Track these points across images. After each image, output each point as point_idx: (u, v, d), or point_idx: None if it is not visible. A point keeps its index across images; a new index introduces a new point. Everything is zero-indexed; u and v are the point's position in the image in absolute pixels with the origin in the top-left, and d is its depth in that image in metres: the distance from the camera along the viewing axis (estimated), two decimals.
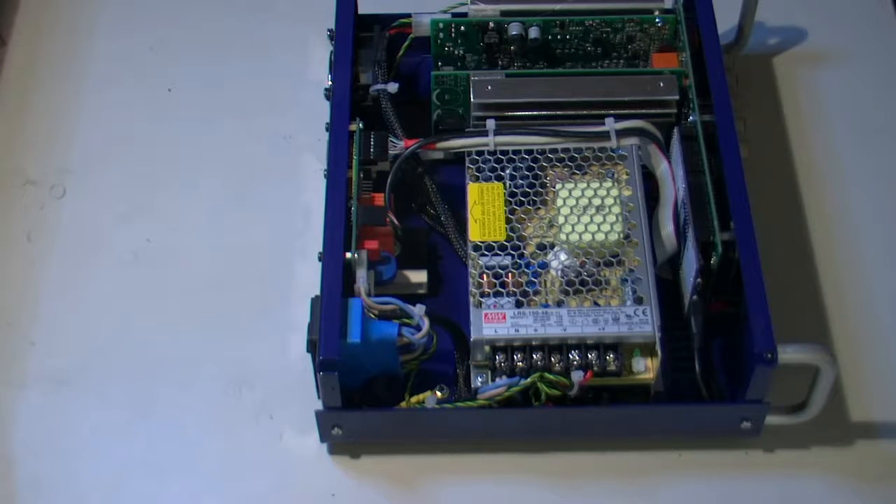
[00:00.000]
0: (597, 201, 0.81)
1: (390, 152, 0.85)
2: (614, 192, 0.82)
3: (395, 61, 0.91)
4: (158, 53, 0.99)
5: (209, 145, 0.94)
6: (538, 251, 0.80)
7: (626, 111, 0.85)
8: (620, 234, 0.80)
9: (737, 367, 0.78)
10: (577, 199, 0.81)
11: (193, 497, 0.79)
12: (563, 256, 0.80)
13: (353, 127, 0.85)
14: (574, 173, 0.83)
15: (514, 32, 0.89)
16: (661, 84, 0.86)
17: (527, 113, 0.86)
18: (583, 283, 0.79)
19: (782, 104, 0.96)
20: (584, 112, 0.86)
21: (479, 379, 0.77)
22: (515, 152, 0.83)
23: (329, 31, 0.90)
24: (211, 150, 0.93)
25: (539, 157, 0.83)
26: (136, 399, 0.82)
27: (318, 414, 0.77)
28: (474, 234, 0.80)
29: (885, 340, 0.84)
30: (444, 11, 0.90)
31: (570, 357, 0.76)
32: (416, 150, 0.85)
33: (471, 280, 0.79)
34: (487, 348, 0.77)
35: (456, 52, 0.91)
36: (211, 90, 0.97)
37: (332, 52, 0.89)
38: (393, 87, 0.88)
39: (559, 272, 0.79)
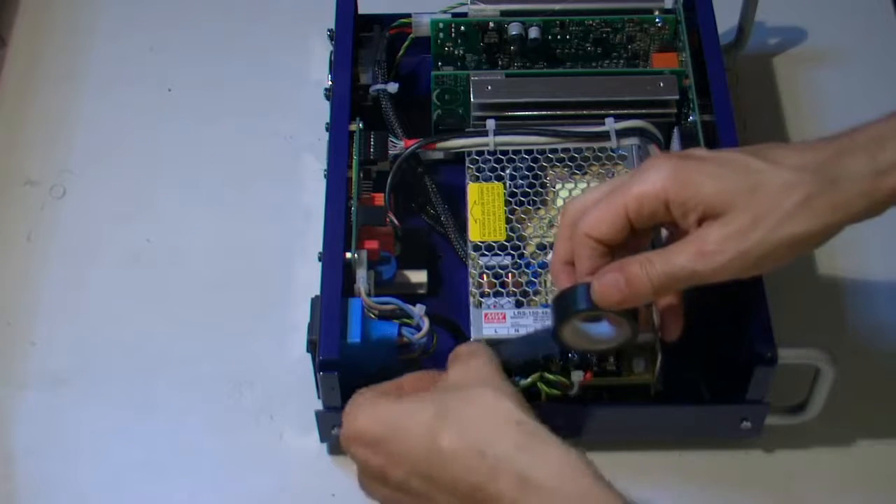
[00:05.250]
0: None
1: (390, 152, 0.85)
2: None
3: (395, 61, 0.91)
4: (158, 53, 0.99)
5: (209, 145, 0.94)
6: (538, 251, 0.80)
7: (626, 111, 0.85)
8: None
9: (737, 367, 0.78)
10: None
11: (193, 497, 0.79)
12: None
13: (353, 127, 0.84)
14: (574, 173, 0.83)
15: (514, 32, 0.89)
16: (661, 84, 0.86)
17: (527, 113, 0.86)
18: None
19: (782, 104, 0.96)
20: (584, 112, 0.85)
21: None
22: (515, 152, 0.83)
23: (329, 31, 0.90)
24: (211, 150, 0.93)
25: (539, 157, 0.83)
26: (136, 399, 0.82)
27: (318, 414, 0.77)
28: (474, 234, 0.80)
29: (885, 341, 0.84)
30: (444, 11, 0.90)
31: (571, 357, 0.76)
32: (416, 150, 0.85)
33: (471, 280, 0.79)
34: None
35: (456, 52, 0.91)
36: (211, 90, 0.97)
37: (332, 52, 0.89)
38: (393, 87, 0.88)
39: None
